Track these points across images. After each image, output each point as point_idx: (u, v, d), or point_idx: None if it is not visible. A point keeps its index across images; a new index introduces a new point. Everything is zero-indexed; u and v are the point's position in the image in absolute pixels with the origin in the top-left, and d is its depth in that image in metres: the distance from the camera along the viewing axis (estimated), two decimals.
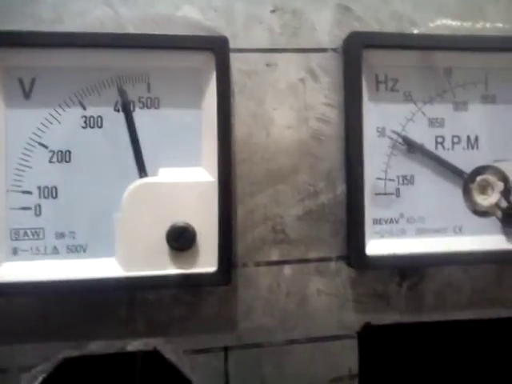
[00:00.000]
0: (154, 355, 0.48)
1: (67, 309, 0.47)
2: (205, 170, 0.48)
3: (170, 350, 0.48)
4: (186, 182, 0.47)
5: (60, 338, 0.47)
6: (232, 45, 0.48)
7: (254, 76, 0.50)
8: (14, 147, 0.47)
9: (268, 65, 0.50)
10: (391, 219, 0.51)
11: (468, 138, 0.53)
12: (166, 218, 0.46)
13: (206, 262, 0.47)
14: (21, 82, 0.47)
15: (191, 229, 0.46)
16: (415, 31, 0.52)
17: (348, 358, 0.50)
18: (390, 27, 0.52)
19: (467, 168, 0.52)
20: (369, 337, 0.51)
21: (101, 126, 0.48)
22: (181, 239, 0.46)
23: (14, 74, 0.47)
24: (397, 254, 0.50)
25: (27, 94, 0.47)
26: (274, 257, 0.50)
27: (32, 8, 0.47)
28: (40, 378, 0.46)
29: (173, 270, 0.46)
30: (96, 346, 0.48)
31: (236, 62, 0.50)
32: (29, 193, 0.47)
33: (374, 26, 0.51)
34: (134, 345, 0.48)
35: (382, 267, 0.50)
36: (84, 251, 0.48)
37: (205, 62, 0.48)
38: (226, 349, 0.49)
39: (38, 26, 0.47)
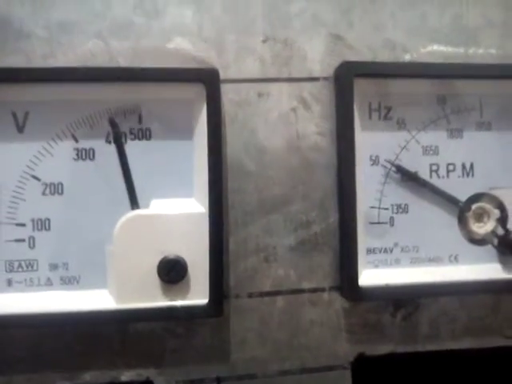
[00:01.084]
0: None
1: (61, 340, 0.48)
2: (197, 201, 0.48)
3: (163, 380, 0.49)
4: (177, 214, 0.47)
5: (54, 368, 0.48)
6: (223, 75, 0.49)
7: (246, 106, 0.50)
8: (8, 180, 0.47)
9: (260, 95, 0.50)
10: (385, 249, 0.51)
11: (463, 165, 0.52)
12: (157, 250, 0.47)
13: (198, 294, 0.47)
14: (14, 115, 0.48)
15: (182, 261, 0.46)
16: (407, 57, 0.52)
17: None
18: (383, 55, 0.51)
19: (463, 196, 0.52)
20: (363, 367, 0.51)
21: (93, 158, 0.48)
22: (172, 272, 0.46)
23: (8, 108, 0.47)
24: (391, 285, 0.49)
25: (21, 128, 0.48)
26: (267, 287, 0.50)
27: (25, 43, 0.48)
28: None
29: (164, 303, 0.46)
30: (90, 377, 0.48)
31: (228, 92, 0.50)
32: (23, 225, 0.47)
33: (366, 55, 0.51)
34: (127, 375, 0.48)
35: (376, 298, 0.50)
36: (77, 282, 0.48)
37: (196, 93, 0.48)
38: (218, 379, 0.49)
39: (31, 60, 0.48)
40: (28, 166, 0.48)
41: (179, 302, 0.47)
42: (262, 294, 0.50)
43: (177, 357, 0.48)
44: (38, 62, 0.48)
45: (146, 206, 0.48)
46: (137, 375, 0.48)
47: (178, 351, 0.48)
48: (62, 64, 0.48)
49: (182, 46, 0.50)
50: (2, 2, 0.48)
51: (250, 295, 0.50)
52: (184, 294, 0.47)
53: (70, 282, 0.48)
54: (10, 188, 0.47)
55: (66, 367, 0.48)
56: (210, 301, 0.47)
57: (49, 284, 0.48)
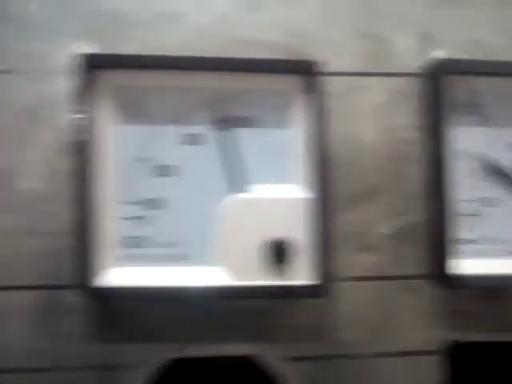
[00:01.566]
0: (251, 360, 0.50)
1: (171, 314, 0.50)
2: (298, 187, 0.51)
3: (269, 357, 0.50)
4: (282, 198, 0.50)
5: (163, 341, 0.50)
6: (321, 68, 0.51)
7: (342, 98, 0.53)
8: (123, 161, 0.50)
9: (355, 88, 0.53)
10: (474, 240, 0.53)
11: None
12: (264, 232, 0.49)
13: (303, 275, 0.49)
14: (129, 100, 0.50)
15: (289, 243, 0.48)
16: (494, 56, 0.55)
17: (435, 373, 0.52)
18: (471, 53, 0.55)
19: None
20: (457, 354, 0.52)
21: (201, 143, 0.51)
22: (279, 253, 0.48)
23: (124, 93, 0.50)
24: (480, 274, 0.51)
25: (135, 112, 0.50)
26: (363, 273, 0.52)
27: (139, 33, 0.51)
28: (146, 377, 0.49)
29: (272, 282, 0.48)
30: (197, 350, 0.50)
31: (325, 84, 0.52)
32: (136, 204, 0.50)
33: (455, 52, 0.54)
34: (231, 350, 0.50)
35: (466, 286, 0.52)
36: (188, 260, 0.50)
37: (295, 84, 0.51)
38: (318, 358, 0.50)
39: (144, 49, 0.50)
40: (141, 149, 0.50)
41: (285, 282, 0.48)
42: (358, 279, 0.52)
43: (281, 335, 0.50)
44: (150, 51, 0.50)
45: (252, 190, 0.50)
46: (241, 350, 0.50)
47: (282, 329, 0.50)
48: (169, 53, 0.50)
49: (280, 39, 0.53)
50: None
51: (348, 279, 0.52)
52: (290, 274, 0.49)
53: (181, 259, 0.50)
54: (126, 169, 0.49)
55: (175, 340, 0.49)
56: (317, 282, 0.48)
57: (161, 260, 0.49)
